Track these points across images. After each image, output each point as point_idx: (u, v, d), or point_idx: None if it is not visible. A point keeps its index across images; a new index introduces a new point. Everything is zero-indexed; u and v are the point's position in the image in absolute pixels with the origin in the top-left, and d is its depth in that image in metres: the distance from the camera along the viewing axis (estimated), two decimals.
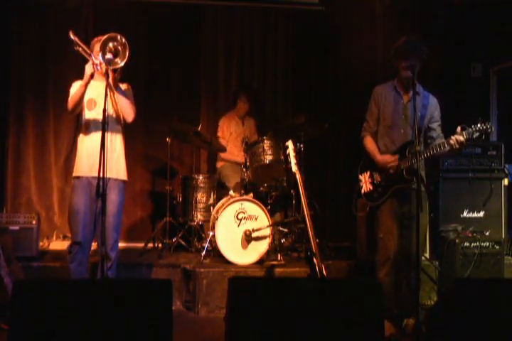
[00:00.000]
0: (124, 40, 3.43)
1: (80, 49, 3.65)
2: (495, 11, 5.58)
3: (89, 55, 3.64)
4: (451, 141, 3.43)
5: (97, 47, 3.64)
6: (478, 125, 3.35)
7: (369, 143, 3.89)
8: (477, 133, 3.35)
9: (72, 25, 5.81)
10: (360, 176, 3.97)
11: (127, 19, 5.99)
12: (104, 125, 3.25)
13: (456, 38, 5.97)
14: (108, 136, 3.55)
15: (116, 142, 3.81)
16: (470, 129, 3.37)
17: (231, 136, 5.69)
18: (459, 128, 3.44)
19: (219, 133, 5.68)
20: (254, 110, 5.87)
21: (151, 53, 6.04)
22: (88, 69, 3.63)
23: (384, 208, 3.76)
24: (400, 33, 3.85)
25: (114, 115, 3.78)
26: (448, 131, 3.77)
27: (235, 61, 6.31)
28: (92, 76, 3.64)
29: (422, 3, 6.13)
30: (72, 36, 3.61)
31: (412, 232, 3.55)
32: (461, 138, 3.39)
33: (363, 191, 3.93)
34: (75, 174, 3.81)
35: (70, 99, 3.76)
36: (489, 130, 3.35)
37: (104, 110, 3.29)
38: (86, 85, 3.65)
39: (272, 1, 6.35)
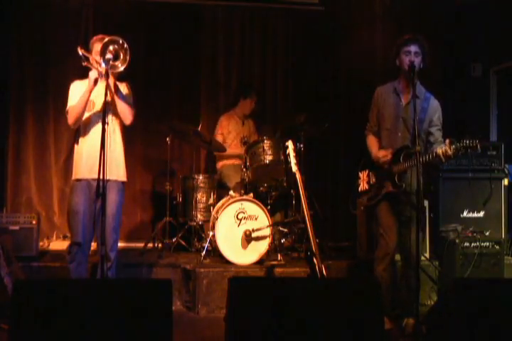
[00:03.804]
0: (125, 44, 3.41)
1: (89, 64, 3.63)
2: (495, 11, 5.58)
3: (97, 67, 3.61)
4: (440, 154, 3.39)
5: (97, 46, 3.63)
6: (467, 141, 3.29)
7: (370, 140, 3.91)
8: (463, 150, 3.30)
9: (72, 25, 5.91)
10: (360, 173, 4.00)
11: (127, 19, 5.99)
12: (104, 125, 3.25)
13: (456, 38, 5.97)
14: (107, 136, 3.53)
15: (115, 143, 3.79)
16: (458, 145, 3.31)
17: (230, 134, 5.68)
18: (447, 141, 3.40)
19: (216, 131, 5.66)
20: (254, 110, 5.86)
21: (151, 53, 6.04)
22: (92, 75, 3.62)
23: (381, 206, 3.78)
24: (400, 33, 3.85)
25: (114, 116, 3.78)
26: (448, 133, 3.76)
27: (235, 61, 6.31)
28: (96, 82, 3.62)
29: (422, 3, 6.13)
30: (80, 52, 3.59)
31: (411, 232, 3.58)
32: (449, 153, 3.35)
33: (360, 189, 3.96)
34: (74, 177, 3.80)
35: (71, 108, 3.71)
36: (476, 148, 3.29)
37: (104, 111, 3.28)
38: (90, 92, 3.63)
39: (272, 1, 6.35)
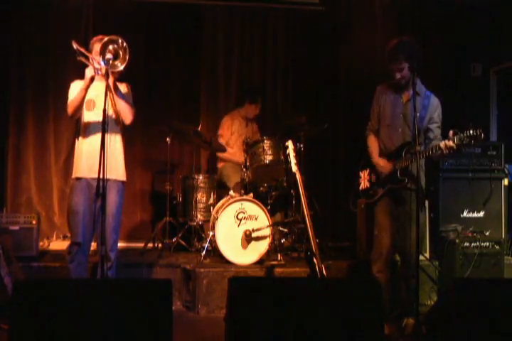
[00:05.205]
0: (124, 43, 3.42)
1: (83, 58, 3.63)
2: (495, 11, 5.58)
3: (91, 62, 3.62)
4: (442, 146, 3.42)
5: (96, 47, 3.64)
6: (471, 131, 3.31)
7: (370, 142, 3.91)
8: (467, 140, 3.32)
9: (72, 25, 5.91)
10: (360, 173, 4.01)
11: (127, 19, 5.99)
12: (104, 125, 3.25)
13: (456, 38, 5.97)
14: (108, 136, 3.52)
15: (115, 142, 3.80)
16: (462, 135, 3.34)
17: (232, 135, 5.67)
18: (451, 133, 3.42)
19: (219, 131, 5.65)
20: (257, 115, 5.84)
21: (151, 53, 6.04)
22: (88, 72, 3.62)
23: (379, 206, 3.80)
24: (400, 33, 3.86)
25: (114, 115, 3.78)
26: (448, 132, 3.76)
27: (235, 61, 6.31)
28: (92, 79, 3.63)
29: (422, 3, 6.13)
30: (75, 46, 3.59)
31: (409, 231, 3.59)
32: (451, 144, 3.38)
33: (360, 188, 3.98)
34: (74, 175, 3.81)
35: (69, 103, 3.75)
36: (480, 137, 3.31)
37: (104, 110, 3.28)
38: (86, 89, 3.64)
39: (272, 1, 6.35)
